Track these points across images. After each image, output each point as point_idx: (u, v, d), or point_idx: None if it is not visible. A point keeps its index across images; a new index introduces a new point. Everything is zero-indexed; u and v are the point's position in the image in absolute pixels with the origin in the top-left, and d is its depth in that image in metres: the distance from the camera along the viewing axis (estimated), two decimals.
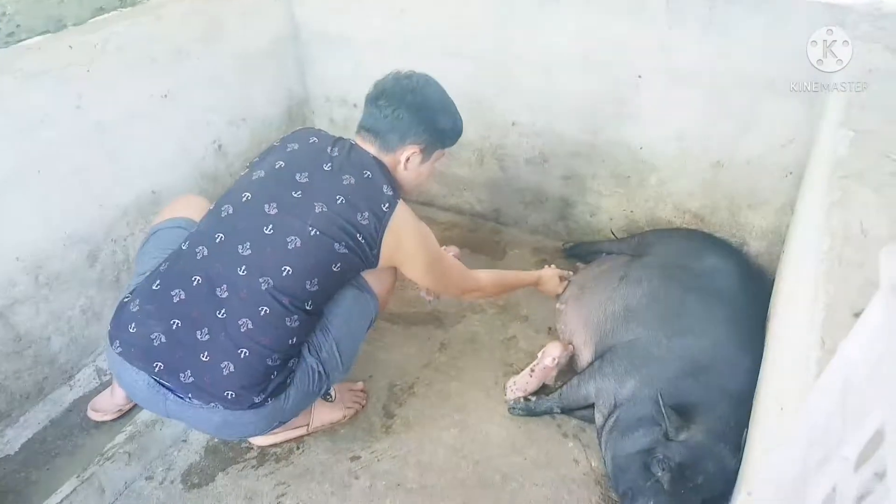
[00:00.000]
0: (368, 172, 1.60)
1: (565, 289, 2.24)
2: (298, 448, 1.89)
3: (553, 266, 2.34)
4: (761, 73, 1.95)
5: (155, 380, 1.51)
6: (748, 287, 1.97)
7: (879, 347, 0.50)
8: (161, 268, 1.58)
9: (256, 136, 2.61)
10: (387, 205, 1.58)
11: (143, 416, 1.85)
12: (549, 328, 2.25)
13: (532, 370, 1.97)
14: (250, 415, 1.55)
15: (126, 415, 1.95)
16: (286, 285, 1.50)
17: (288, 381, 1.58)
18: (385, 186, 1.60)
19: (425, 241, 1.71)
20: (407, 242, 1.64)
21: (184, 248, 1.58)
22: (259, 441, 1.88)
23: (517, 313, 2.32)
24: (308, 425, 1.90)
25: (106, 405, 1.94)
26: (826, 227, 1.06)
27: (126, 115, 2.02)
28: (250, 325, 1.48)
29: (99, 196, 2.01)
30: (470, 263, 2.56)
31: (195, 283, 1.51)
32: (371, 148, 1.67)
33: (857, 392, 0.53)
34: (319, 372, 1.62)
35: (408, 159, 1.68)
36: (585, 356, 1.98)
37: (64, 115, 1.85)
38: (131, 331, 1.51)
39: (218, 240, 1.54)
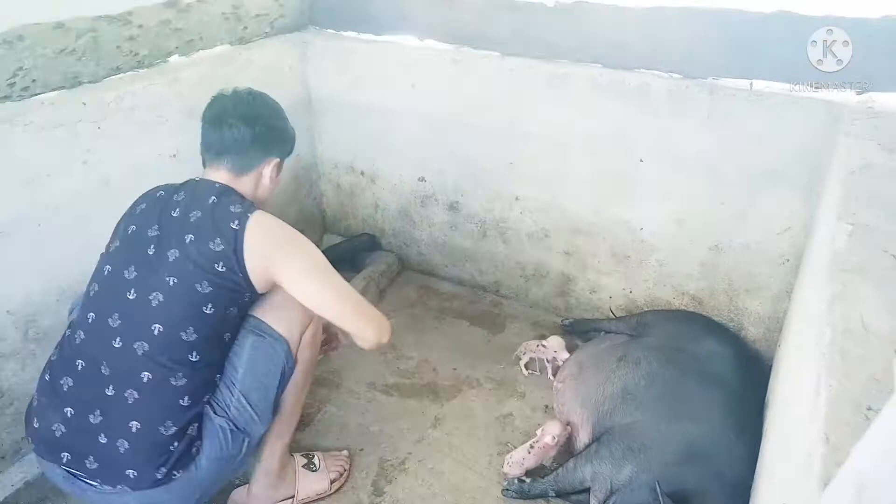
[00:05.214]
0: (214, 198, 1.53)
1: (564, 366, 2.21)
2: None
3: None
4: (759, 162, 1.99)
5: (66, 471, 1.48)
6: (746, 372, 1.95)
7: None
8: (52, 357, 1.58)
9: None
10: (236, 222, 1.49)
11: None
12: (546, 406, 2.21)
13: (531, 447, 1.93)
14: (161, 492, 1.49)
15: None
16: (161, 344, 1.45)
17: (194, 450, 1.51)
18: (233, 206, 1.52)
19: (296, 238, 1.57)
20: (271, 243, 1.52)
21: (66, 334, 1.58)
22: None
23: (514, 390, 2.29)
24: (294, 498, 1.83)
25: None
26: (827, 319, 1.06)
27: (133, 172, 2.03)
28: (136, 395, 1.45)
29: (98, 252, 1.99)
30: (469, 334, 2.56)
31: (79, 367, 1.49)
32: (223, 174, 1.61)
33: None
34: (232, 430, 1.55)
35: (271, 171, 1.66)
36: (582, 437, 1.94)
37: (71, 169, 1.86)
38: (35, 426, 1.51)
39: (90, 320, 1.51)
